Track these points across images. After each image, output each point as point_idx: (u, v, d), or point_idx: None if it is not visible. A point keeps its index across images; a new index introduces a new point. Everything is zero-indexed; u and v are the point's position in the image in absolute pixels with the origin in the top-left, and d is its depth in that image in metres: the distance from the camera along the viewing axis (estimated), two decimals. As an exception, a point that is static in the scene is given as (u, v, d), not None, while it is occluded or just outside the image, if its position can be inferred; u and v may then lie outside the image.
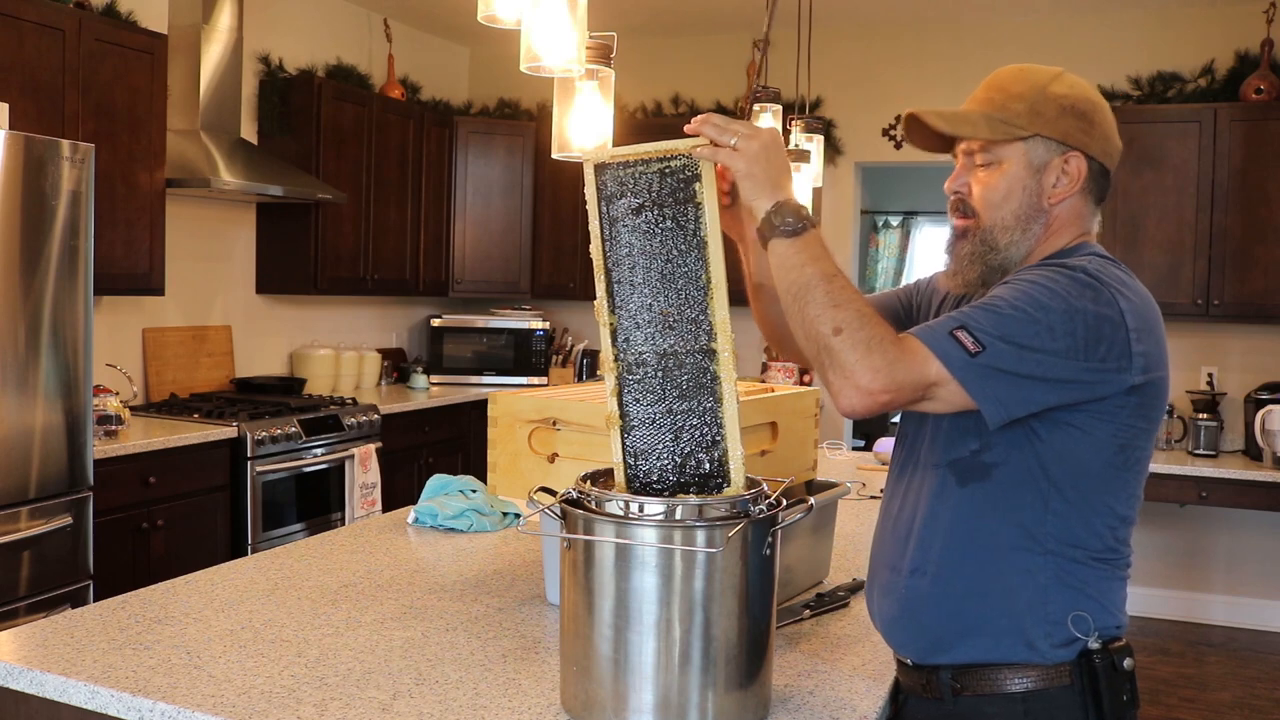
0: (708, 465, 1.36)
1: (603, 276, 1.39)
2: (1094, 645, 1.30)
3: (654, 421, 1.38)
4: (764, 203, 1.32)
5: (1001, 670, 1.32)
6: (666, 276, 1.36)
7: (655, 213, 1.36)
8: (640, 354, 1.38)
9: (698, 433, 1.37)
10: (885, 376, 1.22)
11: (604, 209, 1.39)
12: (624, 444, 1.39)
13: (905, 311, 1.63)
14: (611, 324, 1.39)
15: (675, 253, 1.36)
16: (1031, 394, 1.24)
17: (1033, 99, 1.37)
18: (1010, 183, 1.38)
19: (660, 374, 1.37)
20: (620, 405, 1.39)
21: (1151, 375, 1.29)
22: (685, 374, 1.36)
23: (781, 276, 1.31)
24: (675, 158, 1.35)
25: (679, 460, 1.37)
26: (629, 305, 1.38)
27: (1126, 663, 1.31)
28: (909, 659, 1.43)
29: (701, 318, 1.35)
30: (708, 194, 1.34)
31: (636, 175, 1.37)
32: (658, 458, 1.38)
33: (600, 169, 1.39)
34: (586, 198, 1.40)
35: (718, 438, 1.36)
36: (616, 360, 1.39)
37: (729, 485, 1.36)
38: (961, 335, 1.23)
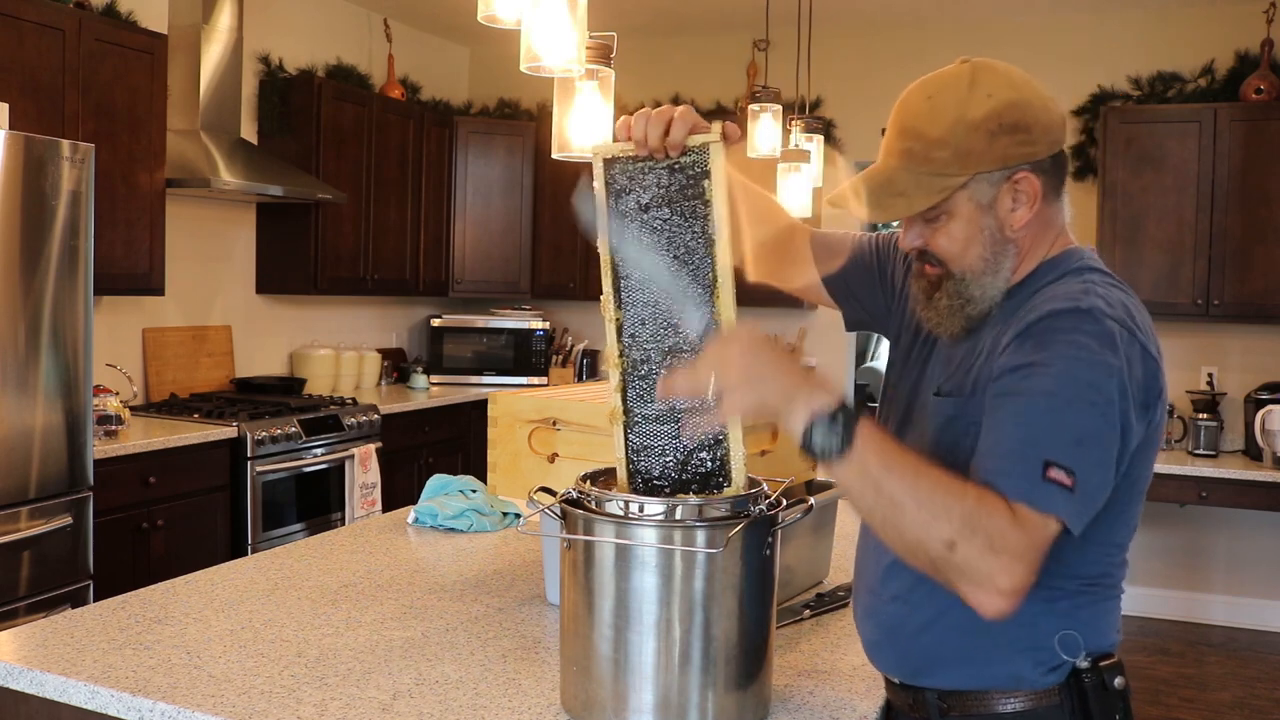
0: (710, 464, 1.36)
1: (609, 272, 1.38)
2: (1083, 664, 1.26)
3: (657, 418, 1.37)
4: (794, 428, 1.17)
5: (990, 693, 1.28)
6: (673, 273, 1.35)
7: (664, 209, 1.35)
8: (645, 350, 1.38)
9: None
10: (1021, 565, 1.11)
11: (612, 204, 1.38)
12: (626, 440, 1.39)
13: (880, 268, 1.54)
14: (617, 319, 1.39)
15: (683, 249, 1.35)
16: (1109, 485, 1.18)
17: (956, 140, 1.24)
18: (966, 230, 1.27)
19: (664, 371, 1.36)
20: (624, 401, 1.39)
21: (1163, 399, 1.25)
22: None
23: (854, 501, 1.19)
24: (686, 153, 1.34)
25: (681, 458, 1.37)
26: (635, 301, 1.38)
27: (1117, 681, 1.26)
28: (895, 679, 1.40)
29: (707, 316, 1.34)
30: (717, 191, 1.33)
31: (646, 170, 1.36)
32: (660, 455, 1.38)
33: (610, 163, 1.38)
34: (595, 192, 1.39)
35: (720, 436, 1.35)
36: (621, 356, 1.39)
37: (730, 484, 1.35)
38: (1055, 474, 1.13)
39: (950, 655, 1.30)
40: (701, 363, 1.21)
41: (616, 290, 1.38)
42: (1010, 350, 1.22)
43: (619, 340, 1.39)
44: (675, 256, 1.35)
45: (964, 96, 1.25)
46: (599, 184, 1.38)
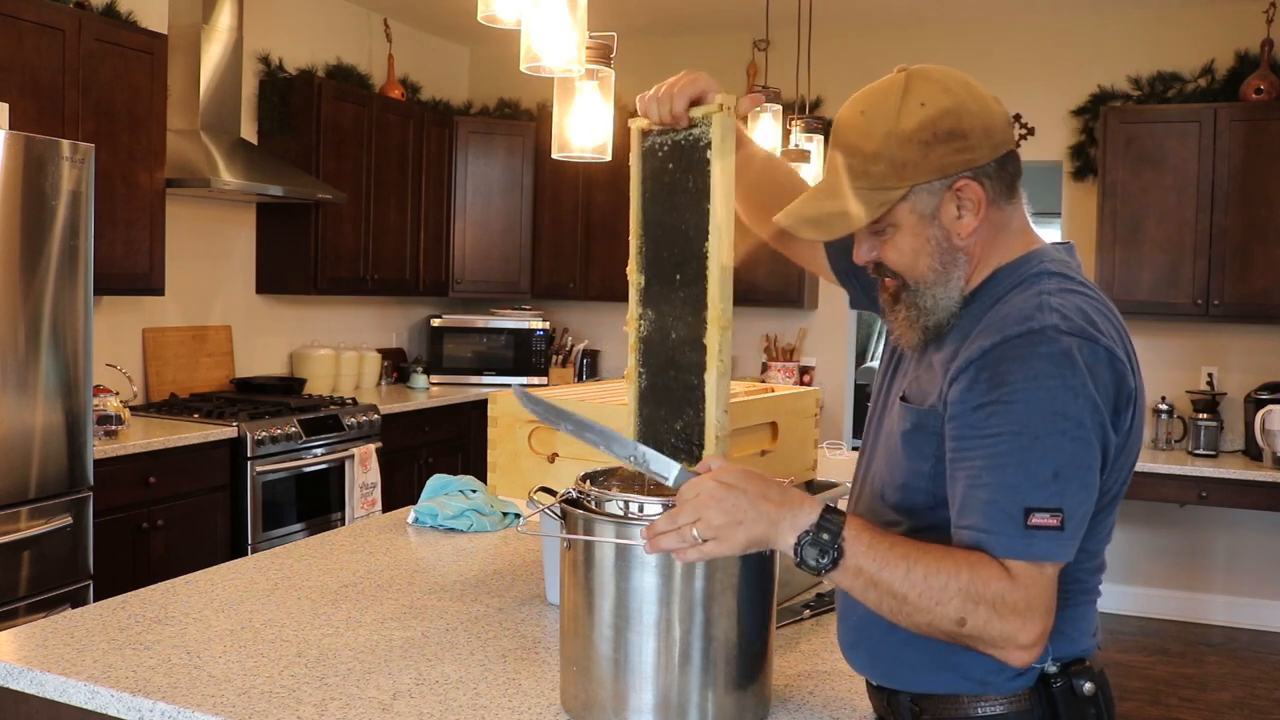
0: (695, 430, 1.40)
1: (636, 237, 1.47)
2: (1051, 669, 1.23)
3: (659, 381, 1.44)
4: (785, 551, 1.20)
5: (961, 698, 1.27)
6: (682, 240, 1.41)
7: (680, 178, 1.42)
8: (657, 313, 1.45)
9: (688, 395, 1.40)
10: (1033, 617, 1.14)
11: (646, 172, 1.47)
12: (638, 400, 1.47)
13: None
14: (639, 284, 1.46)
15: (689, 217, 1.40)
16: (1092, 502, 1.18)
17: (890, 153, 1.23)
18: (913, 242, 1.26)
19: (669, 335, 1.42)
20: (638, 364, 1.47)
21: (1137, 402, 1.21)
22: (685, 338, 1.40)
23: (859, 599, 1.22)
24: (694, 125, 1.40)
25: (673, 422, 1.42)
26: (653, 265, 1.45)
27: (1086, 687, 1.23)
28: (872, 680, 1.40)
29: (701, 283, 1.38)
30: (716, 160, 1.37)
31: (670, 142, 1.43)
32: (661, 421, 1.43)
33: (645, 134, 1.47)
34: (631, 162, 1.48)
35: (700, 403, 1.39)
36: (640, 319, 1.46)
37: (702, 453, 1.39)
38: (1038, 519, 1.13)
39: (917, 658, 1.29)
40: (680, 511, 1.19)
41: (640, 254, 1.47)
42: (965, 380, 1.19)
43: (639, 303, 1.46)
44: (684, 223, 1.41)
45: (896, 108, 1.23)
46: (635, 155, 1.47)
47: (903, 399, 1.31)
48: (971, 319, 1.26)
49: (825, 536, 1.17)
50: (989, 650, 1.16)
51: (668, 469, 1.26)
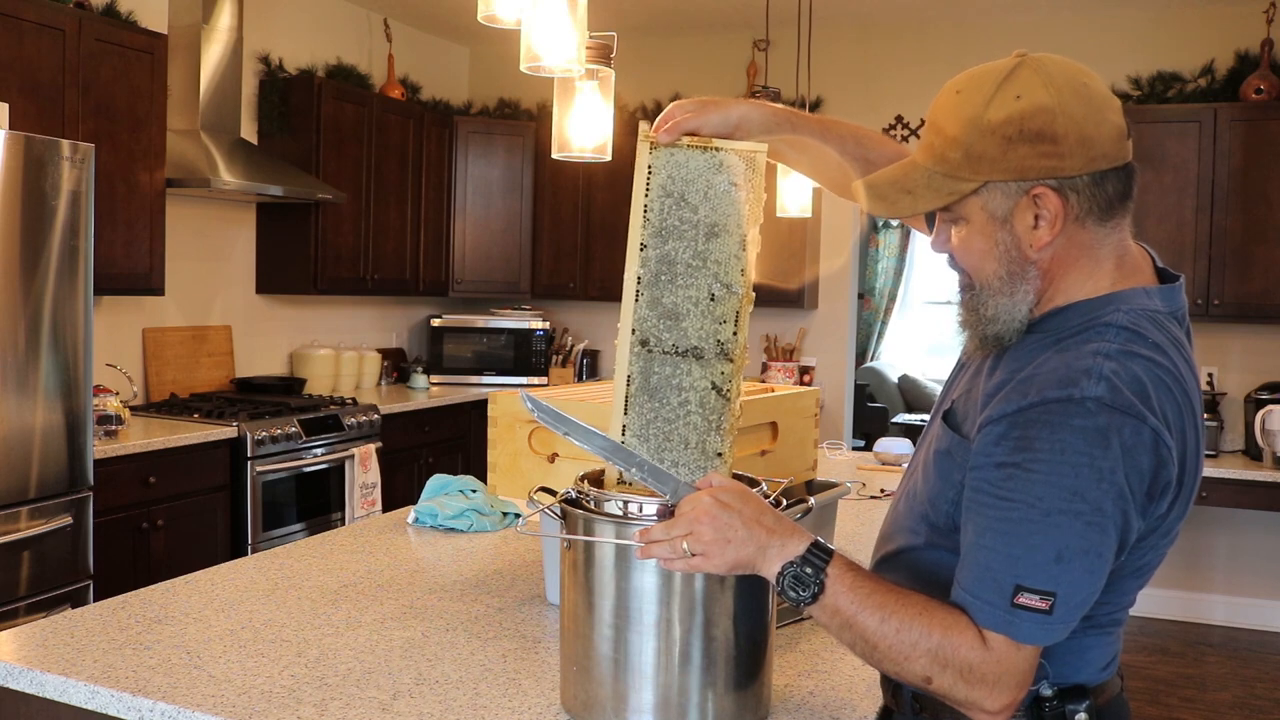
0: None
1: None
2: (1047, 692, 1.20)
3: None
4: (766, 573, 1.20)
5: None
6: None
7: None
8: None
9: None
10: (1000, 691, 1.12)
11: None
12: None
13: None
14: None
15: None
16: (1100, 587, 1.13)
17: (968, 140, 1.14)
18: (982, 242, 1.18)
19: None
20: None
21: (1181, 488, 1.15)
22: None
23: (834, 636, 1.21)
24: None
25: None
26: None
27: (1079, 717, 1.20)
28: None
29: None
30: (636, 188, 1.36)
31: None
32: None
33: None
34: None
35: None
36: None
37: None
38: (1026, 600, 1.09)
39: None
40: (675, 524, 1.20)
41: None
42: (993, 433, 1.14)
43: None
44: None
45: (990, 94, 1.14)
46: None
47: (946, 414, 1.28)
48: (1029, 351, 1.18)
49: (808, 570, 1.17)
50: (955, 707, 1.16)
51: (667, 483, 1.26)
